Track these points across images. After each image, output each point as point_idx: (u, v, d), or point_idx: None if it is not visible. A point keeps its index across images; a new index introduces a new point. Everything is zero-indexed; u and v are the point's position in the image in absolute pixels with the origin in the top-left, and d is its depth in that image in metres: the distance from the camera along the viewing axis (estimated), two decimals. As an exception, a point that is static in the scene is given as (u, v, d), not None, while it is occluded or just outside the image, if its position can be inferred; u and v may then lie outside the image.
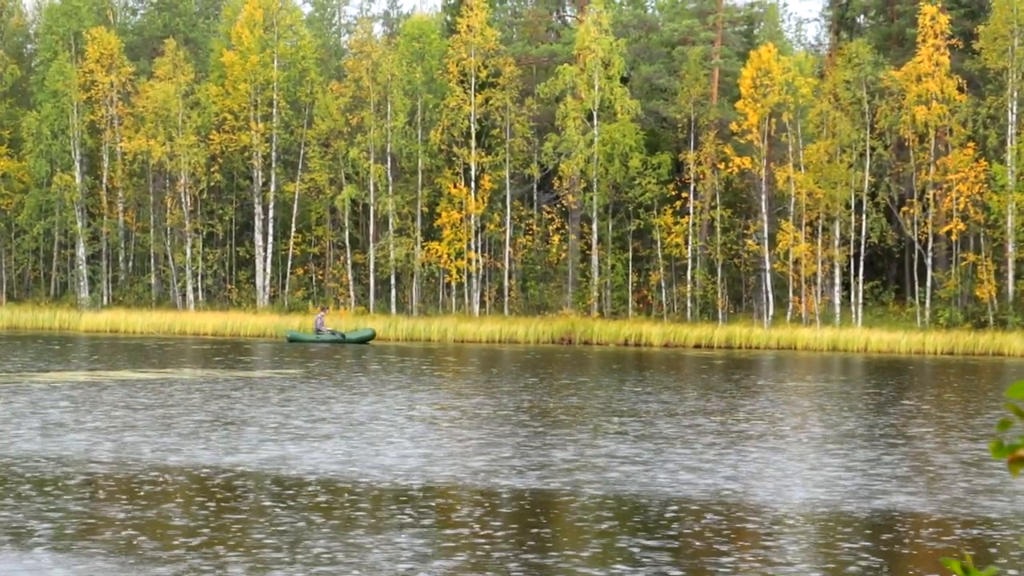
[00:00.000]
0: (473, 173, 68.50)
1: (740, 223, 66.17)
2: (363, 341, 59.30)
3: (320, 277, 72.82)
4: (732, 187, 66.28)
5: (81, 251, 74.68)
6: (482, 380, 40.39)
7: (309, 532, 15.01)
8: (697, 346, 60.26)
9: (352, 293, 70.51)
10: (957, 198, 61.19)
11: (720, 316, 64.62)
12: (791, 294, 64.01)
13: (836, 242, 63.54)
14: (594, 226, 67.06)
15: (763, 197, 64.32)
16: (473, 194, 68.29)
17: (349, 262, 70.65)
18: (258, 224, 72.68)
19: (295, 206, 72.23)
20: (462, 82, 68.63)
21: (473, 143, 68.40)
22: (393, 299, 69.37)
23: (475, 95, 68.37)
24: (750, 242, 65.02)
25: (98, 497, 17.42)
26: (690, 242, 65.72)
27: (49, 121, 74.62)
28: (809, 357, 55.41)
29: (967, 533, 15.84)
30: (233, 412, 28.36)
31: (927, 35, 61.86)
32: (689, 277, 65.84)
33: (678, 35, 69.67)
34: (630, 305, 66.67)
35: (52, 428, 24.88)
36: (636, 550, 14.37)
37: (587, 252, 67.94)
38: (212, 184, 73.11)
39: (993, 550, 14.76)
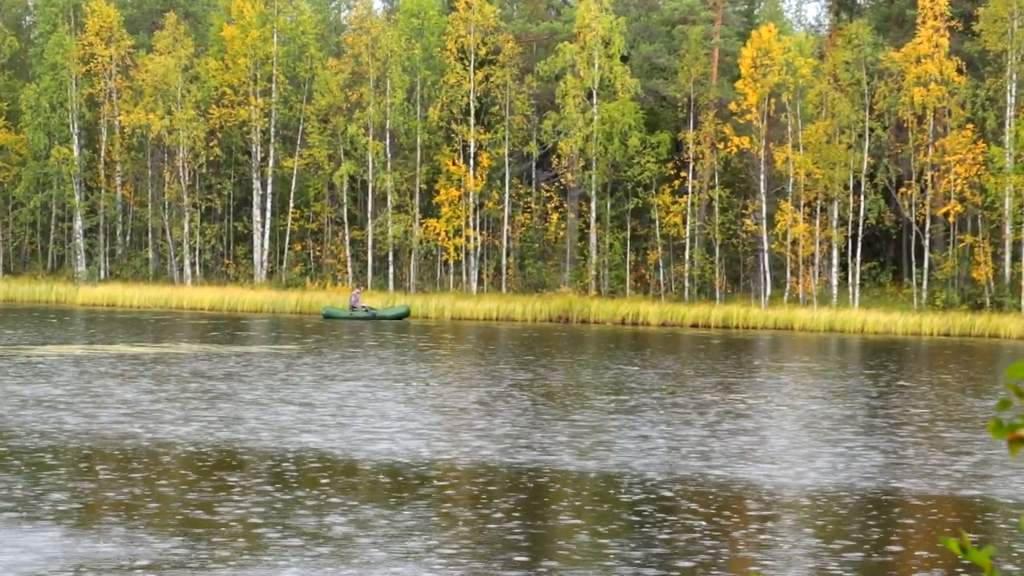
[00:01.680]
0: (472, 150, 68.44)
1: (739, 203, 66.16)
2: (398, 318, 59.14)
3: (318, 253, 72.80)
4: (731, 167, 66.26)
5: (78, 224, 74.62)
6: (478, 358, 40.45)
7: (301, 509, 15.07)
8: (694, 325, 60.30)
9: (350, 270, 70.50)
10: (955, 180, 61.20)
11: (717, 296, 64.67)
12: (789, 275, 64.03)
13: (834, 223, 63.54)
14: (592, 205, 67.02)
15: (761, 177, 64.32)
16: (472, 171, 68.24)
17: (347, 238, 70.60)
18: (256, 199, 72.62)
19: (293, 182, 72.18)
20: (461, 59, 68.52)
21: (472, 120, 68.33)
22: (391, 276, 69.37)
23: (474, 72, 68.28)
24: (748, 222, 65.02)
25: (87, 473, 17.47)
26: (688, 221, 65.71)
27: (48, 94, 74.49)
28: (806, 338, 55.48)
29: (965, 513, 15.91)
30: (227, 387, 28.41)
31: (927, 16, 61.79)
32: (687, 256, 65.85)
33: (678, 14, 69.54)
34: (628, 284, 66.69)
35: (43, 402, 24.92)
36: (631, 528, 14.43)
37: (585, 231, 67.92)
38: (211, 159, 73.02)
39: (991, 531, 14.82)
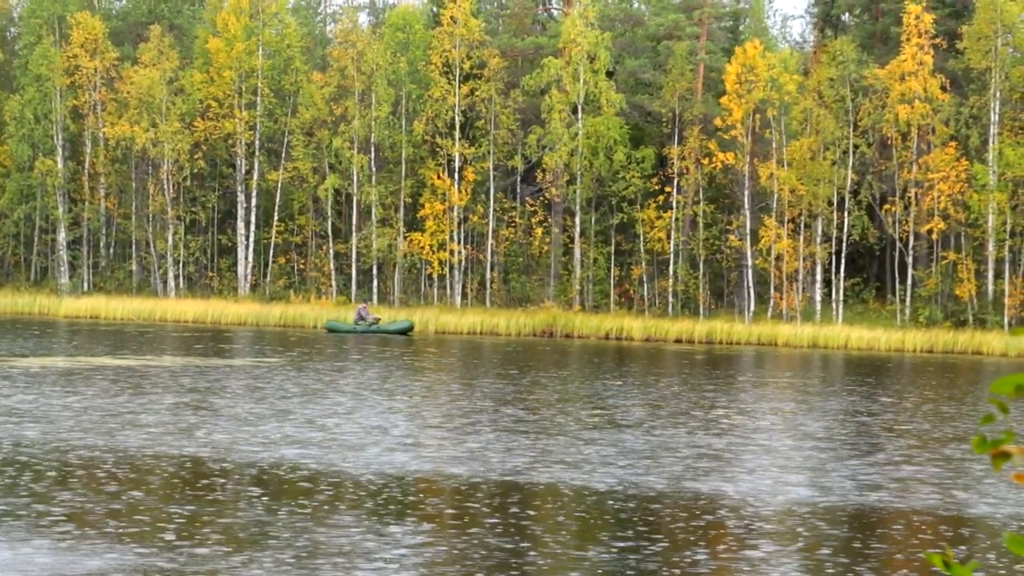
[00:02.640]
0: (456, 164, 68.47)
1: (723, 219, 66.26)
2: (401, 332, 59.09)
3: (302, 266, 72.71)
4: (715, 183, 66.36)
5: (62, 236, 74.44)
6: (462, 372, 40.41)
7: (284, 522, 15.04)
8: (678, 341, 60.32)
9: (334, 283, 70.42)
10: (938, 197, 61.37)
11: (701, 311, 64.70)
12: (772, 290, 64.11)
13: (818, 239, 63.66)
14: (577, 219, 67.05)
15: (746, 193, 64.44)
16: (456, 185, 68.26)
17: (331, 252, 70.52)
18: (241, 212, 72.54)
19: (278, 194, 72.11)
20: (446, 73, 68.58)
21: (457, 134, 68.36)
22: (375, 289, 69.31)
23: (459, 86, 68.33)
24: (732, 237, 65.11)
25: (71, 486, 17.42)
26: (672, 237, 65.75)
27: (32, 106, 74.36)
28: (789, 354, 55.56)
29: (949, 528, 15.93)
30: (209, 400, 28.34)
31: (911, 34, 62.02)
32: (671, 272, 65.88)
33: (664, 30, 69.71)
34: (611, 299, 66.71)
35: (27, 415, 24.83)
36: (612, 544, 14.41)
37: (569, 245, 67.96)
38: (195, 171, 72.95)
39: (976, 546, 14.83)
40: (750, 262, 63.94)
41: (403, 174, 69.56)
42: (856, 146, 63.08)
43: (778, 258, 63.75)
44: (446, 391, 32.96)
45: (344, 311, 64.94)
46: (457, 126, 68.41)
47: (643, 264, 66.37)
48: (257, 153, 72.42)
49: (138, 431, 22.60)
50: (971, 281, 60.84)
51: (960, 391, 37.86)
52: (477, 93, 68.24)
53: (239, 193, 72.65)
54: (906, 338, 58.53)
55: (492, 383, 34.86)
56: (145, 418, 24.49)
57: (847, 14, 73.78)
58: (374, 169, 69.94)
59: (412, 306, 67.31)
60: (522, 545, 14.09)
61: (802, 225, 64.01)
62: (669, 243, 65.84)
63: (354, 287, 69.75)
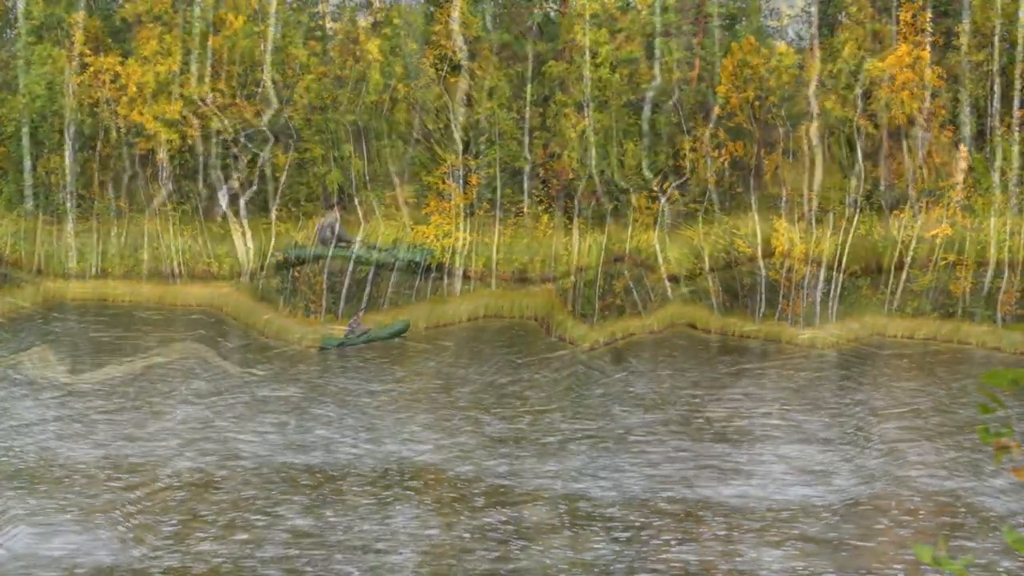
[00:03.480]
0: (461, 173, 68.68)
1: (728, 221, 65.86)
2: (396, 335, 58.81)
3: (297, 275, 72.33)
4: (724, 179, 65.96)
5: (70, 226, 74.46)
6: (457, 369, 40.36)
7: (282, 521, 15.15)
8: (692, 326, 59.95)
9: (324, 302, 69.85)
10: (948, 204, 61.35)
11: (714, 304, 63.88)
12: (781, 299, 63.75)
13: (828, 234, 63.37)
14: (576, 201, 66.73)
15: (753, 197, 64.16)
16: (462, 189, 68.45)
17: (328, 268, 70.04)
18: (226, 201, 72.54)
19: (283, 179, 72.03)
20: (435, 64, 68.67)
21: (460, 149, 68.44)
22: (367, 294, 69.04)
23: (445, 76, 68.35)
24: (740, 243, 64.56)
25: (76, 484, 17.51)
26: (659, 220, 64.83)
27: (39, 103, 74.36)
28: (790, 349, 55.68)
29: (944, 520, 16.01)
30: (205, 402, 28.38)
31: (907, 33, 62.04)
32: (660, 258, 65.04)
33: (660, 28, 69.71)
34: (596, 312, 65.82)
35: (16, 419, 24.88)
36: (611, 544, 14.51)
37: (568, 226, 67.84)
38: (196, 164, 72.95)
39: (970, 539, 14.92)
40: (763, 272, 63.53)
41: (396, 182, 69.57)
42: (859, 128, 62.56)
43: (789, 269, 63.42)
44: (441, 393, 32.96)
45: (331, 329, 64.30)
46: (459, 140, 68.44)
47: (627, 271, 65.77)
48: (254, 143, 72.43)
49: (136, 433, 22.66)
50: (967, 279, 60.87)
51: (946, 381, 37.87)
52: (479, 110, 68.41)
53: (235, 180, 72.68)
54: (889, 325, 58.49)
55: (489, 380, 34.84)
56: (142, 419, 24.53)
57: (843, 13, 73.87)
58: (368, 178, 69.96)
59: (401, 305, 67.15)
60: (521, 544, 14.20)
61: (813, 221, 63.55)
62: (655, 228, 65.05)
63: (343, 303, 68.89)
